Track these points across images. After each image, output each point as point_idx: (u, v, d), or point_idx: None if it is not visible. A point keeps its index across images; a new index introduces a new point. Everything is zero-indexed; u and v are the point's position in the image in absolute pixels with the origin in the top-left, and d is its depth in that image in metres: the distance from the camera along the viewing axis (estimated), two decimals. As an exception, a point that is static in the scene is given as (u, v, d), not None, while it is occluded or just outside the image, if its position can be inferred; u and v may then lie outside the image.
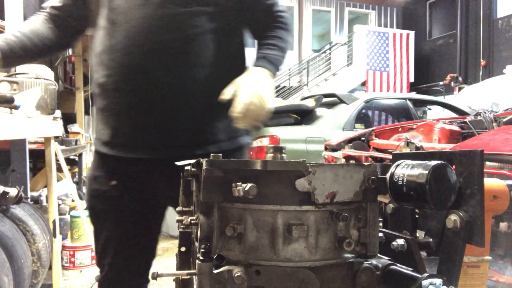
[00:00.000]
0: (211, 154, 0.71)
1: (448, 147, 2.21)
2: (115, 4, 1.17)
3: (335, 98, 4.88)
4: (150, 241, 1.34)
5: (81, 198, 3.43)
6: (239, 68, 1.23)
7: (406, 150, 2.14)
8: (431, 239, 0.78)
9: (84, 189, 4.69)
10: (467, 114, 4.05)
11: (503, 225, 1.39)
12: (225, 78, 1.15)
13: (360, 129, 4.44)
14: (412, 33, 12.74)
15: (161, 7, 1.13)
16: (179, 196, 1.20)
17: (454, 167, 0.69)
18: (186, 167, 0.78)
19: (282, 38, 1.27)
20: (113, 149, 1.21)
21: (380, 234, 0.74)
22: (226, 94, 1.10)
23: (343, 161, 2.77)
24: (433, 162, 0.61)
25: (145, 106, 1.15)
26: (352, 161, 2.20)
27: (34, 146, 2.94)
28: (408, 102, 5.17)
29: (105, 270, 1.29)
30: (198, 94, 1.17)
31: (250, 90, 1.09)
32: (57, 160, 2.72)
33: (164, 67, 1.14)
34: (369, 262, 0.66)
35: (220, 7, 1.19)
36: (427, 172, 0.60)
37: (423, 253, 0.77)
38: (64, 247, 3.15)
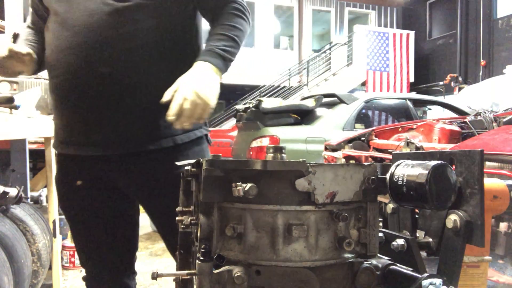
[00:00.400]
0: (211, 154, 0.71)
1: (448, 147, 2.21)
2: (60, 6, 1.18)
3: (335, 98, 4.87)
4: (127, 234, 1.35)
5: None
6: (192, 59, 1.17)
7: (406, 150, 2.14)
8: (431, 239, 0.78)
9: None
10: (467, 114, 4.05)
11: (503, 225, 1.39)
12: (175, 70, 1.13)
13: (360, 129, 4.44)
14: (412, 33, 12.75)
15: (102, 4, 1.12)
16: (142, 190, 1.21)
17: (454, 167, 0.69)
18: (186, 167, 0.78)
19: (235, 26, 1.20)
20: (69, 148, 1.22)
21: (380, 234, 0.74)
22: (166, 95, 1.07)
23: (343, 161, 2.77)
24: (433, 162, 0.61)
25: (92, 103, 1.14)
26: (352, 161, 2.20)
27: (34, 146, 2.94)
28: (408, 102, 5.17)
29: (89, 268, 1.33)
30: (145, 89, 1.15)
31: (187, 88, 1.06)
32: (57, 160, 2.71)
33: (108, 64, 1.12)
34: (369, 262, 0.66)
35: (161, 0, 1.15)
36: (427, 172, 0.60)
37: (423, 253, 0.77)
38: (64, 247, 3.14)
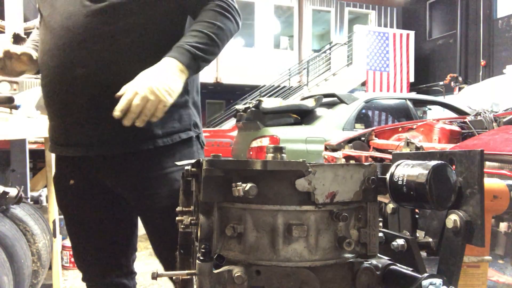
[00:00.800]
0: (211, 154, 0.71)
1: (448, 147, 2.21)
2: (44, 10, 1.20)
3: (335, 98, 4.87)
4: (124, 234, 1.34)
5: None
6: None
7: (406, 150, 2.14)
8: (431, 239, 0.78)
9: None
10: (467, 114, 4.05)
11: (503, 225, 1.39)
12: None
13: (360, 129, 4.44)
14: (412, 33, 12.75)
15: (79, 6, 1.12)
16: (127, 191, 1.21)
17: (454, 167, 0.69)
18: (186, 167, 0.78)
19: (213, 23, 1.14)
20: (57, 148, 1.22)
21: (380, 234, 0.74)
22: (122, 90, 1.03)
23: (343, 161, 2.77)
24: (433, 162, 0.61)
25: (70, 104, 1.14)
26: (352, 161, 2.20)
27: (34, 146, 2.94)
28: (408, 102, 5.16)
29: (85, 269, 1.32)
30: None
31: (141, 83, 1.03)
32: (57, 160, 2.71)
33: (84, 65, 1.11)
34: (369, 262, 0.66)
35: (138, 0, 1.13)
36: (427, 172, 0.60)
37: (423, 253, 0.77)
38: (64, 247, 3.14)
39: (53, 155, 2.37)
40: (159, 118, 1.06)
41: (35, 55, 1.26)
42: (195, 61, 1.10)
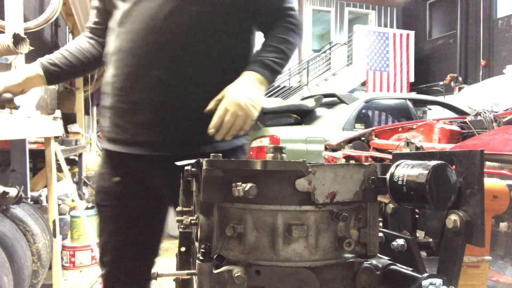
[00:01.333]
0: (211, 154, 0.71)
1: (448, 147, 2.21)
2: (123, 6, 1.22)
3: (335, 98, 4.88)
4: (152, 239, 1.35)
5: (81, 198, 3.43)
6: (244, 68, 1.20)
7: (406, 150, 2.13)
8: (431, 239, 0.78)
9: (84, 189, 4.71)
10: (467, 114, 4.05)
11: (503, 225, 1.39)
12: (225, 78, 1.16)
13: (360, 129, 4.44)
14: (412, 33, 12.75)
15: (164, 8, 1.16)
16: (178, 195, 1.22)
17: (454, 167, 0.69)
18: (186, 167, 0.78)
19: (286, 39, 1.22)
20: (116, 145, 1.25)
21: (380, 234, 0.74)
22: (210, 104, 1.12)
23: (343, 161, 2.76)
24: (433, 162, 0.61)
25: (145, 105, 1.18)
26: (352, 161, 2.20)
27: (34, 146, 2.94)
28: (408, 102, 5.17)
29: (107, 267, 1.31)
30: (193, 95, 1.19)
31: (229, 100, 1.10)
32: (57, 160, 2.72)
33: (165, 67, 1.16)
34: (369, 262, 0.66)
35: (222, 7, 1.20)
36: (427, 172, 0.60)
37: (423, 253, 0.77)
38: (64, 247, 3.15)
39: (53, 156, 2.37)
40: (247, 131, 1.16)
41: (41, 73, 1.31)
42: (273, 75, 1.19)
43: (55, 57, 1.35)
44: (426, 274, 0.60)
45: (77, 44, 1.40)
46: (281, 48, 1.21)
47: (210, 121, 1.13)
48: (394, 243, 0.72)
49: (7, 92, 1.27)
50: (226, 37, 1.22)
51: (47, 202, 2.47)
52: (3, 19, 2.35)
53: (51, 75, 1.33)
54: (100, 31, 1.39)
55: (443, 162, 0.62)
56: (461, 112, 4.77)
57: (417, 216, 0.84)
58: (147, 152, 1.20)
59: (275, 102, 4.66)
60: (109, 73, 1.24)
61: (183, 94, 1.17)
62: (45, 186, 2.55)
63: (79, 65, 1.37)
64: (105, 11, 1.35)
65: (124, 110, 1.21)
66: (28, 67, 1.33)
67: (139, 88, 1.17)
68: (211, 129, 1.10)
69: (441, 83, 11.40)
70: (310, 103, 4.70)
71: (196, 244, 0.67)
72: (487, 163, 1.66)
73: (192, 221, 0.71)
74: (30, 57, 2.46)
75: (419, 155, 0.79)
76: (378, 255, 0.68)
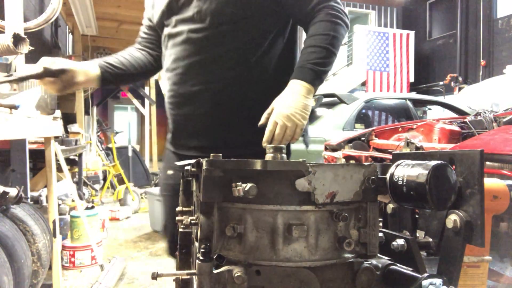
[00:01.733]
0: (211, 154, 0.71)
1: (448, 147, 2.21)
2: (168, 29, 1.35)
3: (335, 98, 4.88)
4: None
5: (81, 198, 3.43)
6: (286, 71, 1.26)
7: (406, 150, 2.13)
8: (431, 239, 0.78)
9: (84, 189, 4.72)
10: (467, 114, 4.05)
11: (503, 225, 1.39)
12: (275, 90, 1.21)
13: (360, 129, 4.44)
14: (412, 33, 12.74)
15: (212, 27, 1.25)
16: None
17: (454, 167, 0.69)
18: (186, 167, 0.78)
19: (328, 34, 1.21)
20: (173, 147, 1.46)
21: (380, 234, 0.74)
22: (262, 119, 1.18)
23: (343, 161, 2.77)
24: (433, 162, 0.61)
25: (195, 117, 1.33)
26: (352, 161, 2.20)
27: (34, 146, 2.94)
28: (408, 102, 5.17)
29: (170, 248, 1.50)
30: (244, 104, 1.29)
31: (278, 113, 1.14)
32: (57, 160, 2.72)
33: (217, 81, 1.27)
34: (369, 262, 0.66)
35: (258, 18, 1.26)
36: (427, 172, 0.60)
37: (423, 253, 0.77)
38: (64, 247, 3.14)
39: (53, 156, 2.37)
40: (297, 140, 1.21)
41: (93, 71, 1.35)
42: (319, 77, 1.19)
43: (111, 60, 1.43)
44: (426, 274, 0.61)
45: (130, 53, 1.49)
46: (323, 46, 1.20)
47: (249, 125, 1.22)
48: (394, 243, 0.72)
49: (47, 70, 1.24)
50: (267, 44, 1.28)
51: (47, 202, 2.47)
52: (3, 19, 2.35)
53: (107, 75, 1.39)
54: (150, 44, 1.51)
55: (443, 162, 0.62)
56: (461, 112, 4.77)
57: (417, 216, 0.84)
58: (199, 154, 1.28)
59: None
60: (167, 87, 1.39)
61: (230, 103, 1.29)
62: (45, 186, 2.55)
63: (133, 71, 1.46)
64: (153, 28, 1.48)
65: (178, 121, 1.39)
66: (85, 63, 1.36)
67: (189, 104, 1.32)
68: (264, 143, 1.16)
69: (441, 83, 11.39)
70: (310, 103, 4.69)
71: (196, 244, 0.67)
72: (487, 163, 1.66)
73: (192, 221, 0.71)
74: (30, 57, 2.46)
75: (419, 155, 0.79)
76: (378, 255, 0.68)
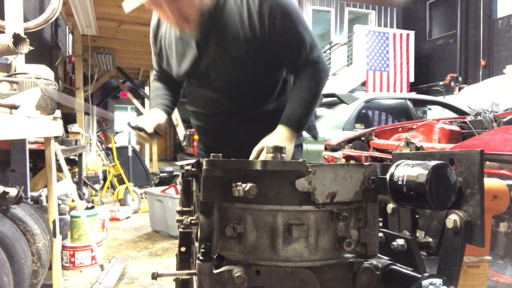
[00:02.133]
0: (211, 154, 0.71)
1: (448, 147, 2.21)
2: (178, 67, 1.53)
3: (335, 98, 4.88)
4: None
5: (81, 198, 3.42)
6: (281, 93, 1.54)
7: (406, 150, 2.13)
8: (431, 239, 0.78)
9: (84, 189, 4.71)
10: (467, 114, 4.05)
11: (503, 225, 1.39)
12: (277, 113, 1.44)
13: (360, 129, 4.44)
14: (412, 33, 12.74)
15: (234, 62, 1.44)
16: None
17: (454, 167, 0.69)
18: (186, 167, 0.78)
19: (314, 95, 1.42)
20: (207, 150, 1.70)
21: (380, 234, 0.74)
22: (253, 155, 1.35)
23: (343, 161, 2.77)
24: (433, 162, 0.61)
25: (215, 129, 1.60)
26: (352, 161, 2.20)
27: (34, 146, 2.94)
28: (408, 102, 5.17)
29: None
30: (253, 120, 1.52)
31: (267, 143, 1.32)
32: (57, 160, 2.72)
33: (235, 101, 1.50)
34: (369, 262, 0.66)
35: (266, 73, 1.47)
36: (427, 172, 0.60)
37: (423, 253, 0.77)
38: (64, 247, 3.14)
39: (53, 156, 2.37)
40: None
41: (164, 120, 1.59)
42: (302, 128, 1.46)
43: (167, 102, 1.67)
44: (426, 274, 0.61)
45: (167, 91, 1.70)
46: (309, 105, 1.41)
47: (263, 134, 1.41)
48: (394, 243, 0.72)
49: (158, 129, 1.53)
50: (268, 74, 1.50)
51: (47, 202, 2.47)
52: (3, 19, 2.35)
53: (169, 116, 1.64)
54: (164, 78, 1.70)
55: (443, 162, 0.62)
56: (461, 112, 4.77)
57: (417, 216, 0.84)
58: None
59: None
60: (194, 103, 1.63)
61: (241, 117, 1.53)
62: (45, 186, 2.55)
63: (176, 103, 1.73)
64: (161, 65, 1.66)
65: (204, 129, 1.67)
66: (158, 113, 1.60)
67: (213, 119, 1.57)
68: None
69: (441, 83, 11.40)
70: (310, 103, 4.69)
71: (196, 244, 0.67)
72: (487, 163, 1.66)
73: (192, 221, 0.71)
74: (30, 57, 2.46)
75: (419, 155, 0.79)
76: (378, 255, 0.68)
